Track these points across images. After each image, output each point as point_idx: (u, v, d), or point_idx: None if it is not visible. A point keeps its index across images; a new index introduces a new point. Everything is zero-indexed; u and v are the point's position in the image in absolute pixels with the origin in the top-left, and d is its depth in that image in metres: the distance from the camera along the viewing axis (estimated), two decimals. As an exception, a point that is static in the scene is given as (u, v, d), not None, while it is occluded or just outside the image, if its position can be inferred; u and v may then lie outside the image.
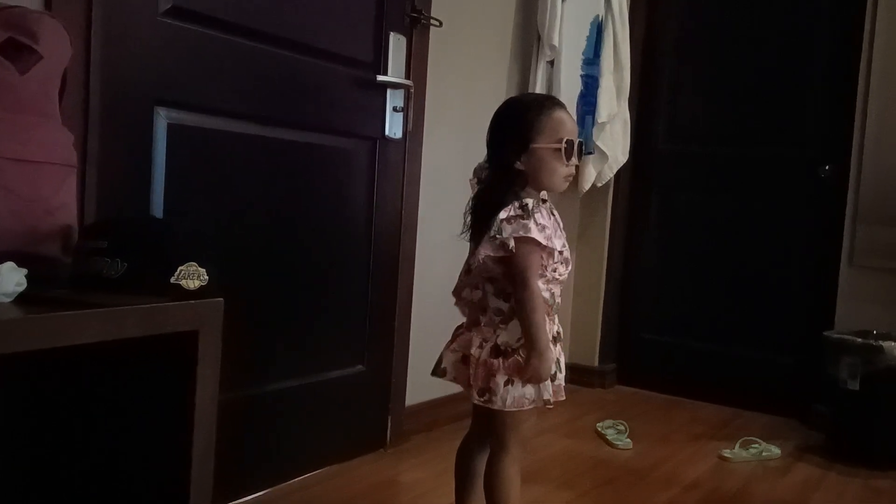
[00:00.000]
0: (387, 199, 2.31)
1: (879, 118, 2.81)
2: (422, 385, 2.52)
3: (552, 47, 2.79)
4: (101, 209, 1.51)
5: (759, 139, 3.20)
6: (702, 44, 3.36)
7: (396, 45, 2.25)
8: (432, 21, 2.36)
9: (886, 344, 2.51)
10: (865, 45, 2.84)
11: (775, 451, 2.59)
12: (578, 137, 1.57)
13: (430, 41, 2.40)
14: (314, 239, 2.09)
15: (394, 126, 2.28)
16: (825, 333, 2.71)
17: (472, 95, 2.66)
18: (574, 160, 1.55)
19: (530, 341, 1.48)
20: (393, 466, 2.27)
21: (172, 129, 1.68)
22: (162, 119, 1.66)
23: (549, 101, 1.61)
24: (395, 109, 2.27)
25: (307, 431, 2.13)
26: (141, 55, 1.60)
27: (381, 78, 2.19)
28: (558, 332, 1.59)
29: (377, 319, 2.33)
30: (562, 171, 1.54)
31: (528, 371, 1.49)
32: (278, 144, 1.96)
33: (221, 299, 1.11)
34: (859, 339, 2.58)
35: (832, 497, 2.25)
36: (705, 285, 3.32)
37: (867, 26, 2.83)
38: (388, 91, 2.25)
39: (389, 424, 2.40)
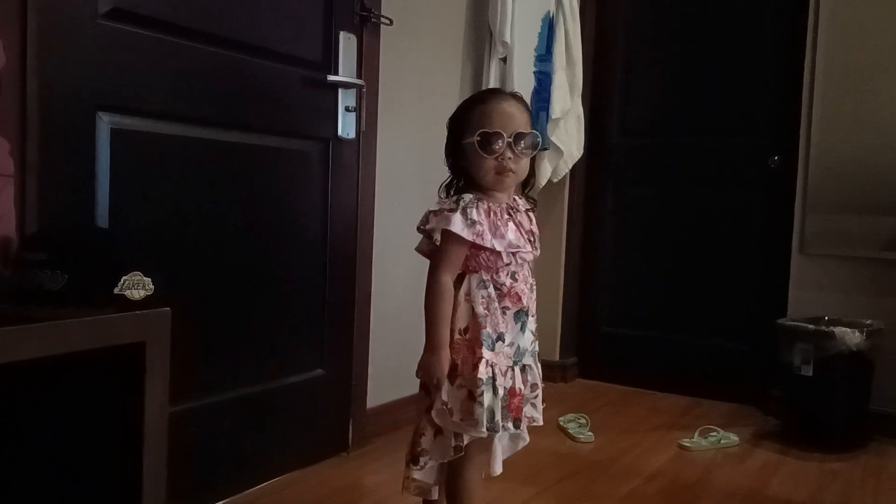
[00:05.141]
0: (342, 199, 2.28)
1: (825, 109, 2.87)
2: (383, 386, 2.50)
3: (504, 44, 2.80)
4: (43, 219, 1.46)
5: (711, 131, 3.25)
6: (652, 38, 3.39)
7: (347, 44, 2.23)
8: (382, 19, 2.34)
9: (838, 329, 2.57)
10: (810, 36, 2.90)
11: (733, 438, 2.64)
12: (533, 129, 1.50)
13: (382, 40, 2.38)
14: (268, 243, 2.06)
15: (347, 126, 2.25)
16: (778, 321, 2.76)
17: (426, 94, 2.65)
18: (501, 153, 1.46)
19: (426, 335, 1.48)
20: (355, 470, 2.25)
21: (116, 134, 1.63)
22: (104, 124, 1.61)
23: (483, 95, 1.58)
24: (347, 109, 2.25)
25: (267, 438, 2.10)
26: (80, 59, 1.56)
27: (331, 78, 2.17)
28: (526, 385, 1.55)
29: (335, 322, 2.30)
30: (486, 164, 1.47)
31: (420, 366, 1.48)
32: (228, 148, 1.92)
33: (168, 309, 1.09)
34: (811, 326, 2.64)
35: (789, 481, 2.29)
36: (662, 277, 3.36)
37: (811, 18, 2.89)
38: (340, 91, 2.23)
39: (351, 427, 2.38)
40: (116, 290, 1.05)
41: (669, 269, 3.34)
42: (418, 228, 1.51)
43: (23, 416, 1.21)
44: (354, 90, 2.26)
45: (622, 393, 3.29)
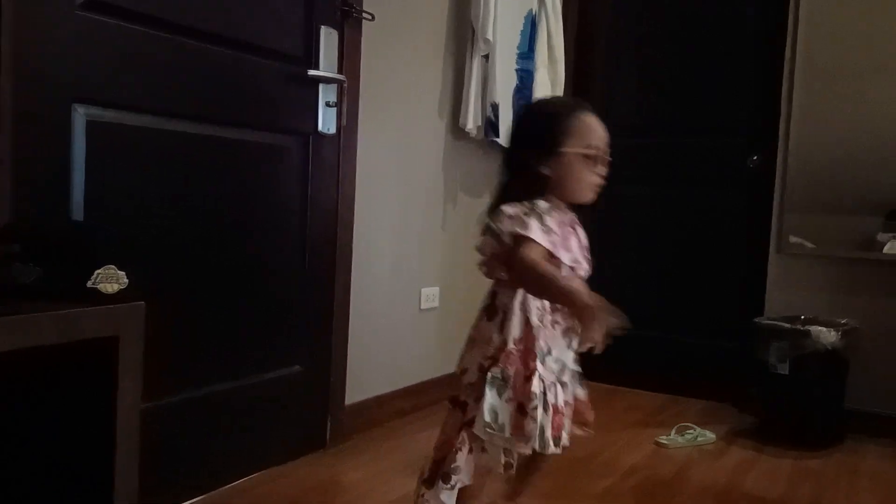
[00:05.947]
0: (322, 195, 2.27)
1: (803, 109, 2.90)
2: (361, 383, 2.50)
3: (486, 41, 2.80)
4: (17, 213, 1.44)
5: (691, 131, 3.27)
6: (634, 38, 3.41)
7: (327, 39, 2.22)
8: (364, 14, 2.33)
9: (813, 328, 2.59)
10: (789, 37, 2.93)
11: (710, 435, 2.66)
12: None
13: (363, 35, 2.37)
14: (246, 237, 2.04)
15: (327, 121, 2.24)
16: (755, 319, 2.79)
17: (407, 90, 2.64)
18: (601, 169, 1.47)
19: (557, 292, 1.38)
20: (333, 467, 2.25)
21: (91, 126, 1.61)
22: (80, 116, 1.59)
23: (580, 105, 1.53)
24: (328, 104, 2.24)
25: (244, 434, 2.09)
26: (56, 51, 1.54)
27: (312, 72, 2.16)
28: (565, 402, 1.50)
29: (314, 318, 2.29)
30: (589, 178, 1.46)
31: (588, 331, 1.39)
32: (206, 141, 1.91)
33: (142, 303, 1.08)
34: (787, 325, 2.66)
35: (764, 478, 2.32)
36: (642, 275, 3.37)
37: (790, 20, 2.92)
38: (321, 86, 2.21)
39: (329, 424, 2.37)
40: (89, 284, 1.04)
41: (648, 267, 3.36)
42: (489, 228, 1.42)
43: (-7, 411, 1.19)
44: (335, 85, 2.25)
45: (599, 390, 3.28)
